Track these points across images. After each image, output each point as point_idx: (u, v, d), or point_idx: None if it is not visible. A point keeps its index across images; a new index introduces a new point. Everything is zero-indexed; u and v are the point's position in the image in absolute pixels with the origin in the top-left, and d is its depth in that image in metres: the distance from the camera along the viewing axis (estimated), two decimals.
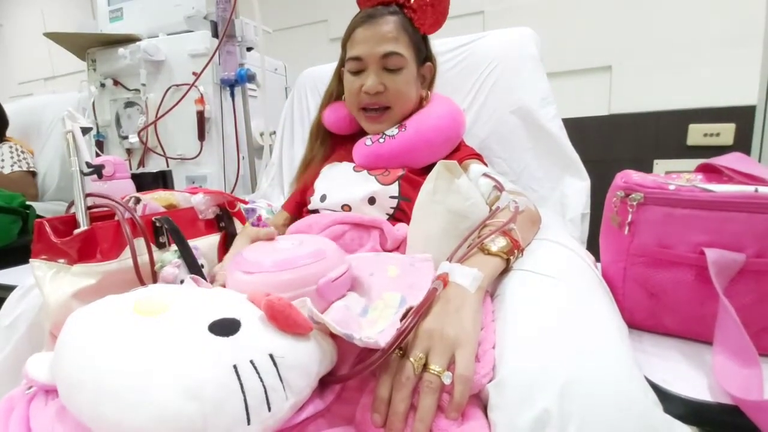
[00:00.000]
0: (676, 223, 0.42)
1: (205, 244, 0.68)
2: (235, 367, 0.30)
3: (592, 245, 0.91)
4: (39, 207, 1.65)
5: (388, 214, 0.74)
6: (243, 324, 0.34)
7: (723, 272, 0.39)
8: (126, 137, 1.45)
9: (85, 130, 0.66)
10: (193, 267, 0.62)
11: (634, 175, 0.46)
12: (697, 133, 1.46)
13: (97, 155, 1.49)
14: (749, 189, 0.40)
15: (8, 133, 1.91)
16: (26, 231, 1.56)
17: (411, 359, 0.37)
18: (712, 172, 0.56)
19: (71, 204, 0.60)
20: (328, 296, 0.47)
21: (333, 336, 0.40)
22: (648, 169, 1.54)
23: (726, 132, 1.42)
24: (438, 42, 0.91)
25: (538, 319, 0.39)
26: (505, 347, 0.38)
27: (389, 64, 0.77)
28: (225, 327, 0.33)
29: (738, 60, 1.39)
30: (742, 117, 1.40)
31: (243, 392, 0.30)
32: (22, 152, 1.85)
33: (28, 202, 1.59)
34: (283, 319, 0.35)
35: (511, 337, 0.39)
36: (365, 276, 0.50)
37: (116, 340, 0.31)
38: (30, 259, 0.54)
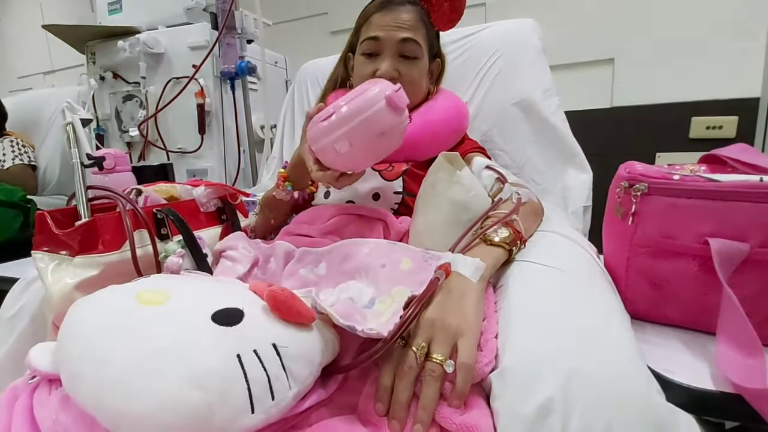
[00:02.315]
0: (680, 213, 0.42)
1: (206, 236, 0.68)
2: (238, 356, 0.30)
3: (594, 238, 0.91)
4: (40, 201, 1.65)
5: (392, 209, 0.73)
6: (246, 314, 0.34)
7: (727, 262, 0.38)
8: (126, 131, 1.44)
9: (85, 122, 0.66)
10: (198, 257, 0.62)
11: (637, 166, 0.46)
12: (699, 126, 1.45)
13: (98, 149, 1.49)
14: (754, 178, 0.40)
15: (9, 127, 1.91)
16: (27, 225, 1.56)
17: (413, 348, 0.37)
18: (715, 163, 0.56)
19: (72, 196, 0.60)
20: (400, 104, 0.55)
21: (336, 326, 0.40)
22: (650, 161, 1.53)
23: (729, 125, 1.42)
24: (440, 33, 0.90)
25: (541, 309, 0.39)
26: (507, 337, 0.38)
27: (406, 50, 0.76)
28: (228, 316, 0.33)
29: (740, 52, 1.37)
30: (744, 109, 1.39)
31: (247, 381, 0.30)
32: (23, 146, 1.85)
33: (28, 196, 1.60)
34: (285, 309, 0.34)
35: (514, 326, 0.39)
36: (377, 267, 0.50)
37: (119, 329, 0.31)
38: (32, 251, 0.54)
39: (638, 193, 0.43)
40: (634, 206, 0.43)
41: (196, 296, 0.35)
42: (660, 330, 0.46)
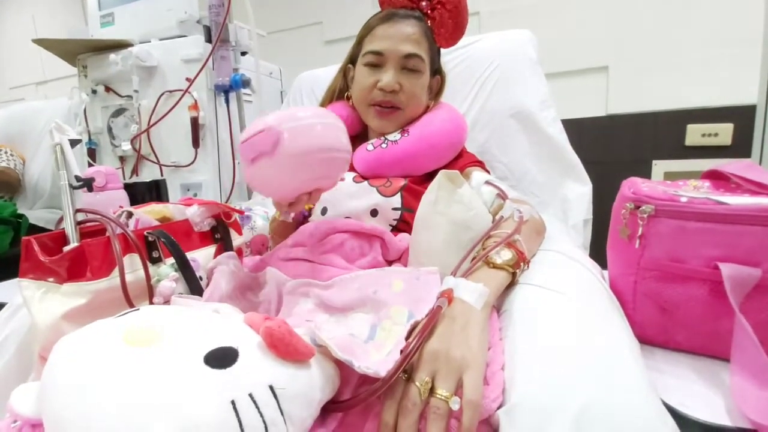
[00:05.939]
0: (688, 236, 0.40)
1: (200, 257, 0.66)
2: (233, 402, 0.28)
3: (594, 251, 0.90)
4: (32, 215, 1.63)
5: (391, 225, 0.72)
6: (240, 353, 0.32)
7: (739, 288, 0.37)
8: (119, 145, 1.42)
9: (74, 143, 0.64)
10: (192, 280, 0.60)
11: (642, 186, 0.45)
12: (695, 134, 1.45)
13: (90, 165, 1.46)
14: (765, 201, 0.39)
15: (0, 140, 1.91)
16: (18, 240, 1.54)
17: (417, 383, 0.36)
18: (719, 179, 0.55)
19: (61, 219, 0.58)
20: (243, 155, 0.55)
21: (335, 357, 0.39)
22: (647, 169, 1.53)
23: (724, 132, 1.42)
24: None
25: (549, 340, 0.38)
26: (515, 369, 0.36)
27: (409, 64, 0.76)
28: (221, 358, 0.31)
29: (735, 60, 1.38)
30: (739, 117, 1.39)
31: (242, 429, 0.28)
32: (12, 155, 1.84)
33: (20, 212, 1.57)
34: (283, 347, 0.33)
35: (521, 358, 0.37)
36: (369, 294, 0.48)
37: (105, 376, 0.29)
38: (18, 279, 0.52)
39: (645, 215, 0.42)
40: (641, 229, 0.42)
41: (188, 334, 0.33)
42: (670, 356, 0.44)
